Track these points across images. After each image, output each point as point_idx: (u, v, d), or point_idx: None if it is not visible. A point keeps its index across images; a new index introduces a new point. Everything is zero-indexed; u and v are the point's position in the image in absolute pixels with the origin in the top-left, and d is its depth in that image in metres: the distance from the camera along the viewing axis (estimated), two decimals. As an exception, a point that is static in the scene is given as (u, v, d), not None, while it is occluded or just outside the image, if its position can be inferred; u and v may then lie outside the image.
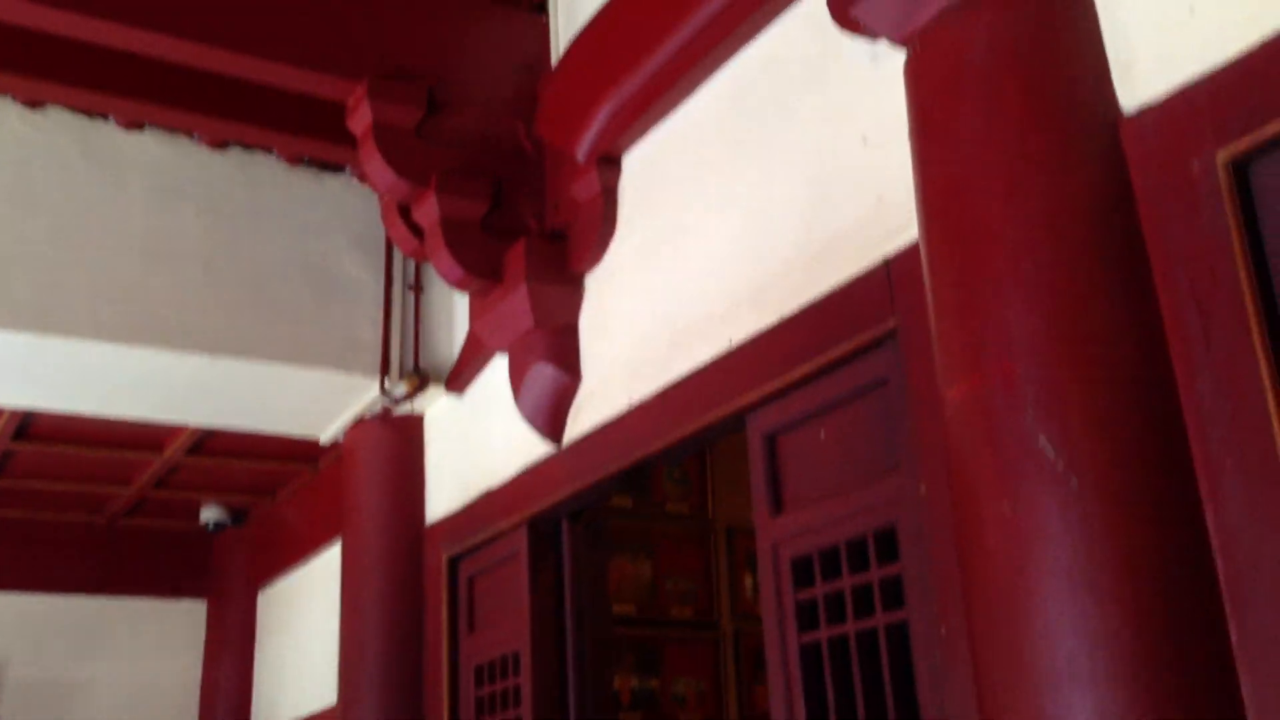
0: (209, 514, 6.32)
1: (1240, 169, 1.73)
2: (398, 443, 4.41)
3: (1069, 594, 1.67)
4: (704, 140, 3.04)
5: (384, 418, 4.42)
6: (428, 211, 3.50)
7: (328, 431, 4.67)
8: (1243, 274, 1.69)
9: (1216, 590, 1.65)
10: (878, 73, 2.42)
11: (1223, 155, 1.73)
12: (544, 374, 3.44)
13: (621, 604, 4.86)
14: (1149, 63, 1.89)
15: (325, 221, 4.27)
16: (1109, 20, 1.97)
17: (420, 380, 4.24)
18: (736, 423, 2.76)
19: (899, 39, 2.20)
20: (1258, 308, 1.67)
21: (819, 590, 2.47)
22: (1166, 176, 1.82)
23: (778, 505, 2.63)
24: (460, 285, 3.62)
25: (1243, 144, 1.71)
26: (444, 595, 4.04)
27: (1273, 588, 1.59)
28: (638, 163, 3.31)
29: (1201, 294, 1.74)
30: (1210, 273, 1.73)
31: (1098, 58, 1.96)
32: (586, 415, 3.38)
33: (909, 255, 2.25)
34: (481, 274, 3.51)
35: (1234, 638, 1.62)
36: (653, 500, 5.12)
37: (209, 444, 5.47)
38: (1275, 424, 1.62)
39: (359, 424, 4.48)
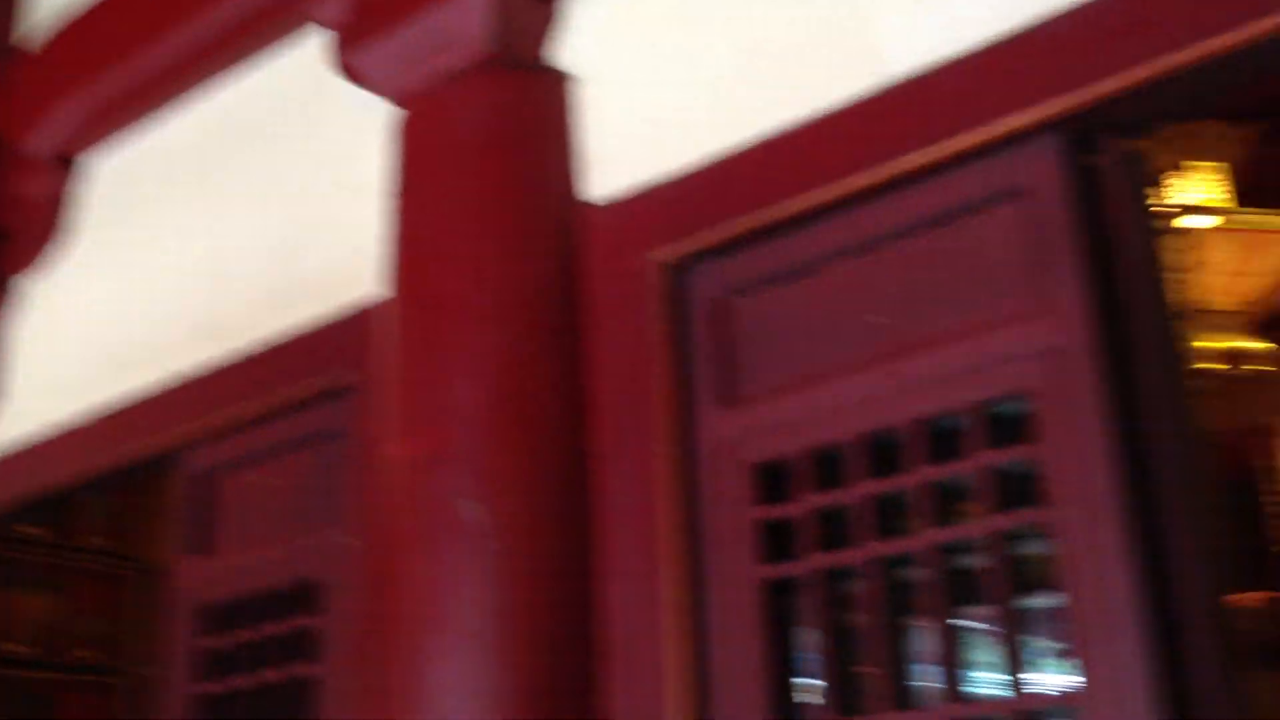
0: None
1: (673, 271, 1.91)
2: None
3: (475, 655, 1.73)
4: (182, 161, 2.88)
5: None
6: None
7: None
8: (662, 371, 1.85)
9: (598, 662, 1.78)
10: (370, 124, 2.43)
11: (659, 256, 1.90)
12: (-44, 384, 3.08)
13: (12, 643, 4.41)
14: (616, 162, 2.05)
15: None
16: (595, 116, 2.11)
17: None
18: (170, 458, 2.61)
19: (392, 96, 2.23)
20: (668, 402, 1.83)
21: (235, 638, 2.38)
22: (612, 270, 1.96)
23: (203, 548, 2.51)
24: None
25: (678, 248, 1.89)
26: None
27: (645, 662, 1.74)
28: (106, 172, 3.07)
29: (624, 386, 1.89)
30: (634, 366, 1.89)
31: (574, 149, 2.10)
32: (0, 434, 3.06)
33: (377, 311, 2.26)
34: (-111, 264, 3.08)
35: (610, 706, 1.76)
36: (68, 533, 4.72)
37: None
38: (661, 515, 1.78)
39: None
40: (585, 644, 1.77)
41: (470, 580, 1.78)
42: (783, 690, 1.66)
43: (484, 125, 2.09)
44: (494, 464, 1.85)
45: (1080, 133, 1.60)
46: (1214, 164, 3.92)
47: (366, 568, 2.12)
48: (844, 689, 1.63)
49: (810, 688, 1.65)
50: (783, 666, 1.67)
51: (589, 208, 2.05)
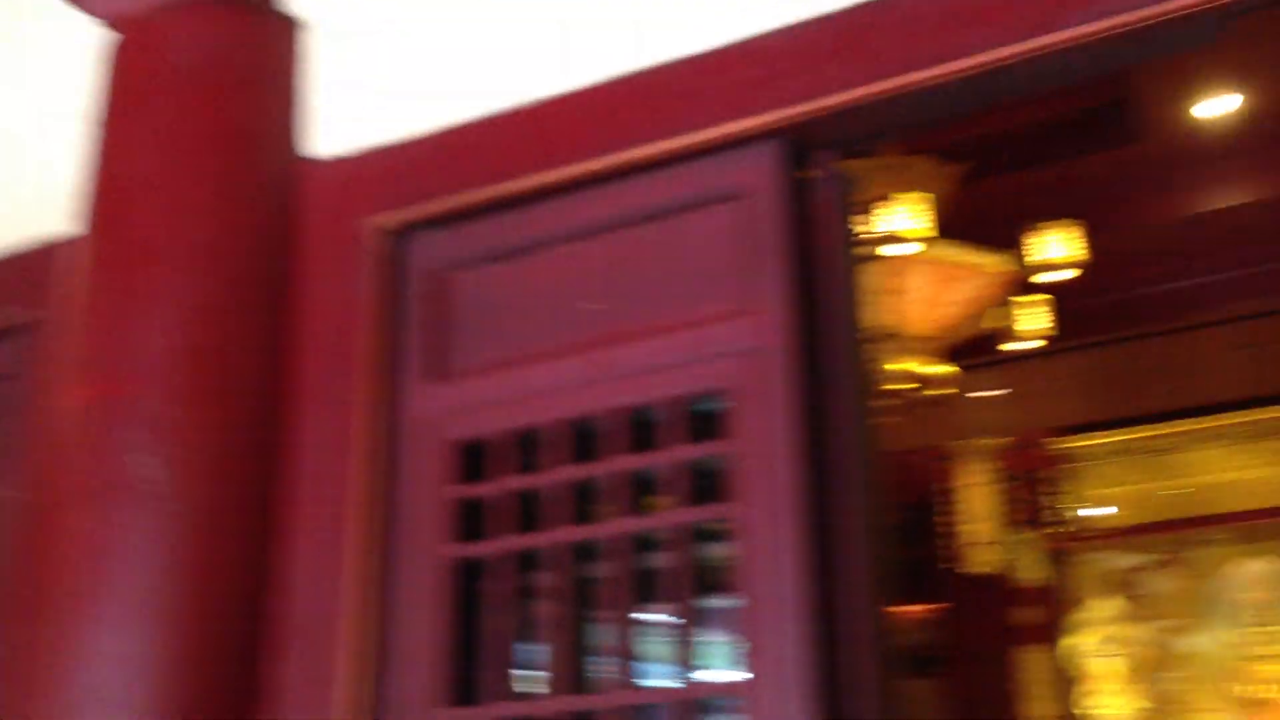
0: None
1: (392, 239, 1.86)
2: None
3: (137, 620, 1.62)
4: None
5: None
6: None
7: None
8: (370, 339, 1.80)
9: (272, 632, 1.72)
10: (78, 48, 2.26)
11: (379, 221, 1.86)
12: None
13: None
14: (343, 119, 1.98)
15: None
16: (324, 71, 2.03)
17: None
18: None
19: (104, 19, 2.07)
20: (372, 371, 1.79)
21: None
22: (328, 231, 1.90)
23: None
24: None
25: (399, 215, 1.86)
26: None
27: (321, 635, 1.69)
28: None
29: (329, 350, 1.83)
30: (341, 332, 1.83)
31: (298, 100, 2.01)
32: None
33: (64, 248, 2.10)
34: None
35: (281, 678, 1.70)
36: None
37: None
38: (353, 485, 1.73)
39: None
40: (259, 614, 1.70)
41: (139, 541, 1.66)
42: (462, 671, 1.64)
43: (201, 61, 1.97)
44: (176, 418, 1.74)
45: (798, 145, 1.66)
46: (920, 197, 4.16)
47: (26, 522, 1.97)
48: (524, 673, 1.63)
49: (491, 670, 1.64)
50: (465, 648, 1.65)
51: (310, 163, 1.97)
